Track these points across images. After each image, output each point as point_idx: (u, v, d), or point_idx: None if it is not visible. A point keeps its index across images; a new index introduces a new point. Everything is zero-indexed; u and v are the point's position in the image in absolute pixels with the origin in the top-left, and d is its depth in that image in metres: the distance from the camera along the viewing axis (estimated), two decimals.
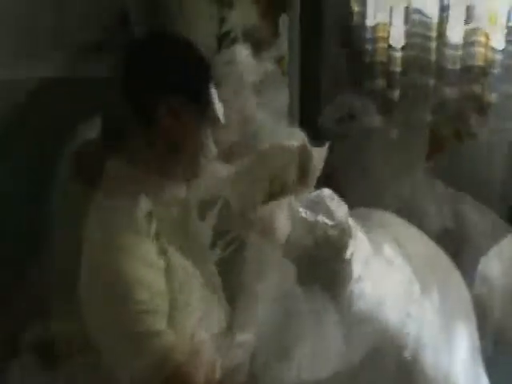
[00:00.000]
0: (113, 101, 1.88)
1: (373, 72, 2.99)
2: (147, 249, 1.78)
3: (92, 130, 2.08)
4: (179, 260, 1.91)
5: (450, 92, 2.90)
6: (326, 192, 1.87)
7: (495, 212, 2.93)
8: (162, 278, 1.79)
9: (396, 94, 2.96)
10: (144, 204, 1.81)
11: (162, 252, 1.84)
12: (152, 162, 1.82)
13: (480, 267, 2.51)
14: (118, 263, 1.70)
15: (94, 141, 2.02)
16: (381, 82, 3.00)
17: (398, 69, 2.94)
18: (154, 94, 1.77)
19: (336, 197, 1.86)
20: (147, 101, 1.77)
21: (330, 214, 1.81)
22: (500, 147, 2.99)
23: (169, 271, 1.84)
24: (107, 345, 1.74)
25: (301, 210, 1.85)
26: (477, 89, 2.89)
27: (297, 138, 2.19)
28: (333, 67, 2.87)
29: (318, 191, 1.88)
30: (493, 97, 2.87)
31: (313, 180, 2.14)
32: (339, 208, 1.83)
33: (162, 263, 1.81)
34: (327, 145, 2.16)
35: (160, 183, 1.86)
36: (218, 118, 1.86)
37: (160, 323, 1.73)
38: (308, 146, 2.14)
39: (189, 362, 1.74)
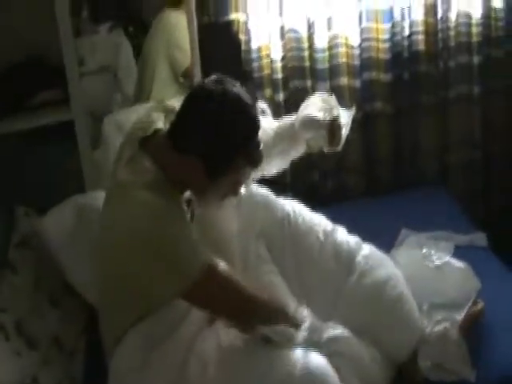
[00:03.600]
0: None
1: (261, 83, 3.66)
2: (188, 230, 2.25)
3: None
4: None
5: (323, 87, 3.65)
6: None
7: None
8: None
9: (280, 97, 3.66)
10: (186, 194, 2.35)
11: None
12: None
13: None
14: (174, 234, 2.15)
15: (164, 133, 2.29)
16: (268, 91, 3.67)
17: (280, 76, 3.63)
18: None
19: None
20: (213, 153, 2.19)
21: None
22: None
23: None
24: (159, 279, 2.14)
25: None
26: (343, 80, 3.73)
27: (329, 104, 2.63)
28: None
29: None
30: (356, 83, 3.71)
31: (341, 141, 2.63)
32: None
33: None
34: (354, 108, 2.73)
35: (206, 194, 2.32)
36: (260, 162, 2.31)
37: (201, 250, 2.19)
38: (337, 116, 2.58)
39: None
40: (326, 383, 2.22)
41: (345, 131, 2.65)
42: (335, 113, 2.61)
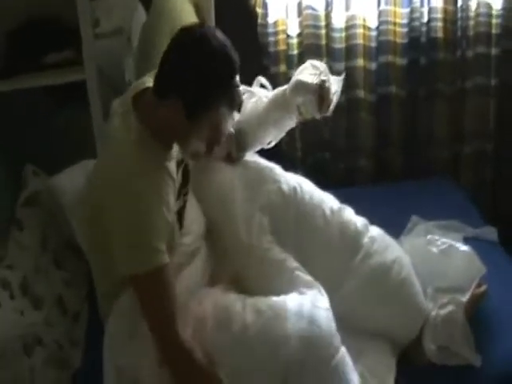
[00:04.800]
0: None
1: (276, 59, 3.64)
2: (170, 193, 2.25)
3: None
4: (192, 203, 2.50)
5: (338, 67, 3.63)
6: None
7: None
8: (173, 216, 2.29)
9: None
10: (176, 152, 2.36)
11: (183, 194, 2.42)
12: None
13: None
14: (150, 198, 2.16)
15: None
16: (282, 67, 3.65)
17: (296, 52, 3.62)
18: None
19: None
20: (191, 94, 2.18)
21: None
22: None
23: (181, 212, 2.41)
24: (119, 248, 2.16)
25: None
26: (359, 62, 3.69)
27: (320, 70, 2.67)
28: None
29: None
30: (372, 66, 3.68)
31: (331, 106, 2.65)
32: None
33: (178, 204, 2.36)
34: (343, 75, 2.78)
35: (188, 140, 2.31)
36: (240, 103, 2.39)
37: (163, 246, 2.17)
38: (327, 81, 2.61)
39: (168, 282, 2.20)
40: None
41: (335, 98, 2.68)
42: (324, 77, 2.64)
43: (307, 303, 2.34)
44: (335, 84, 2.68)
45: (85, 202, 2.36)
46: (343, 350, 2.32)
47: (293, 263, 2.52)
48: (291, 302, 2.35)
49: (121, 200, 2.15)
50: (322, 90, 2.62)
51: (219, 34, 2.23)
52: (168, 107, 2.20)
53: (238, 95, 2.30)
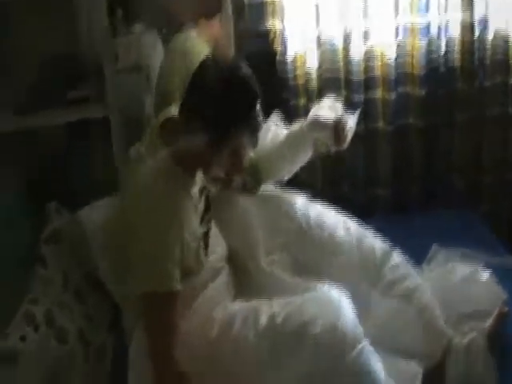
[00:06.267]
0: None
1: (296, 92, 3.70)
2: (193, 219, 2.38)
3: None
4: (214, 230, 2.58)
5: (358, 99, 3.69)
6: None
7: None
8: (196, 242, 2.38)
9: None
10: (199, 179, 2.45)
11: (206, 222, 2.50)
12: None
13: None
14: (170, 223, 2.26)
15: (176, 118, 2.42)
16: (302, 100, 3.70)
17: (315, 86, 3.68)
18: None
19: None
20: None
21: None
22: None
23: (206, 237, 2.49)
24: (135, 268, 2.27)
25: None
26: (377, 93, 3.74)
27: (335, 108, 2.85)
28: None
29: None
30: (391, 96, 3.72)
31: (347, 141, 2.83)
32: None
33: (202, 229, 2.45)
34: (358, 111, 2.90)
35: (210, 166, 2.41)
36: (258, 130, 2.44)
37: (177, 272, 2.26)
38: (342, 117, 2.79)
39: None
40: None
41: (350, 133, 2.84)
42: (340, 114, 2.81)
43: (334, 293, 2.42)
44: (350, 120, 2.83)
45: (112, 227, 2.51)
46: (367, 341, 2.37)
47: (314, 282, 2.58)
48: (318, 292, 2.46)
49: (143, 220, 2.26)
50: (338, 125, 2.78)
51: (244, 66, 2.33)
52: (191, 135, 2.28)
53: (258, 125, 2.38)
